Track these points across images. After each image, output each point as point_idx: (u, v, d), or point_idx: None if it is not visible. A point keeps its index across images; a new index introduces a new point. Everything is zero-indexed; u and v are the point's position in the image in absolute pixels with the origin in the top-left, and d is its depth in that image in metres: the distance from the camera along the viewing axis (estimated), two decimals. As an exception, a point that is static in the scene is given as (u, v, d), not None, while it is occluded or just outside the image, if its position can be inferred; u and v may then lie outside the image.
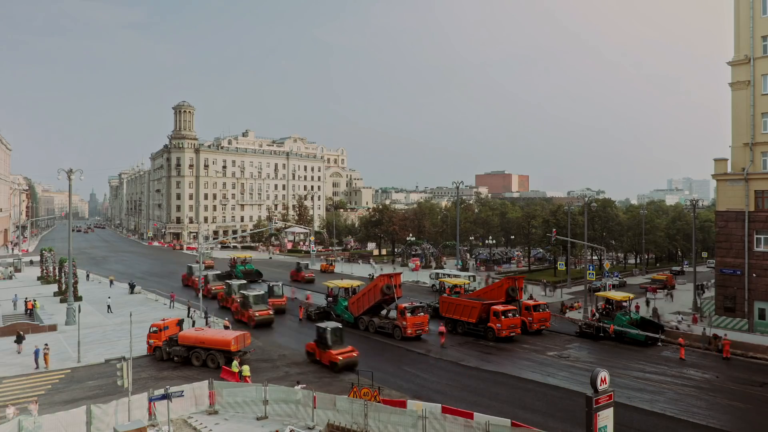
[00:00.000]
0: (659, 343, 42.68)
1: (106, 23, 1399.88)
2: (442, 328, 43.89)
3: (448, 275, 68.73)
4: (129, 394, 24.14)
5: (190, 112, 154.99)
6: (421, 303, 47.94)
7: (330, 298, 52.61)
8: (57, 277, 63.60)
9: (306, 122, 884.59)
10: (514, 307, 45.49)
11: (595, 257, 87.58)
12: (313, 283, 73.33)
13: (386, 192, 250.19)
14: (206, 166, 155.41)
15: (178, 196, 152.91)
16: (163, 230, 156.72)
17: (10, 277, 74.66)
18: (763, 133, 45.36)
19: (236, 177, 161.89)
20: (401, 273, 49.83)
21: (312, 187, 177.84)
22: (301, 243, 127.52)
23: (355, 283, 53.81)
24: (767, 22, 45.25)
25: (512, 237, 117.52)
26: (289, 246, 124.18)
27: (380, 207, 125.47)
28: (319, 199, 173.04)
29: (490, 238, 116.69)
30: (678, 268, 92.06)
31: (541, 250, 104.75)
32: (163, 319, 38.62)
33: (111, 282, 69.49)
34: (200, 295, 51.89)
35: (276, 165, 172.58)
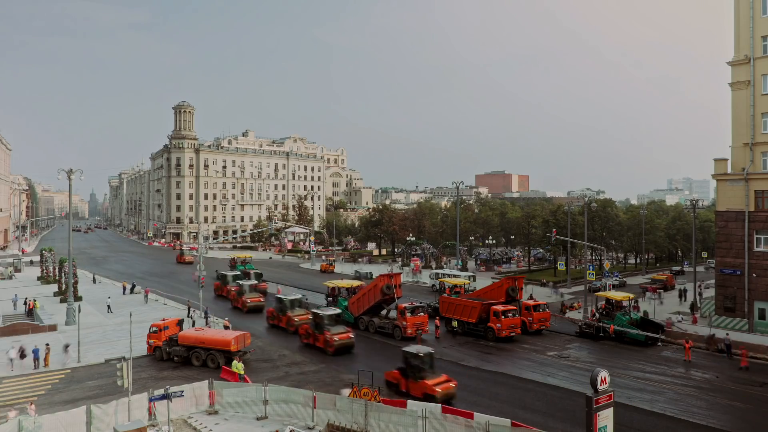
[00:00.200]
0: (659, 343, 42.67)
1: (107, 24, 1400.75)
2: (437, 323, 46.11)
3: (448, 275, 68.74)
4: (129, 394, 24.13)
5: (190, 112, 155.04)
6: (421, 303, 48.05)
7: (330, 298, 52.63)
8: (57, 277, 63.60)
9: (306, 122, 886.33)
10: (514, 307, 45.50)
11: (595, 257, 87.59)
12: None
13: (386, 192, 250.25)
14: (206, 166, 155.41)
15: (178, 196, 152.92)
16: (163, 230, 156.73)
17: (10, 277, 74.67)
18: (763, 133, 45.34)
19: (236, 177, 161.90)
20: (401, 273, 49.84)
21: (312, 187, 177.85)
22: (301, 243, 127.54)
23: (356, 283, 53.82)
24: (767, 22, 45.25)
25: (512, 237, 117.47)
26: (289, 246, 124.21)
27: (380, 207, 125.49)
28: (319, 199, 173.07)
29: (490, 238, 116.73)
30: (678, 268, 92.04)
31: (541, 250, 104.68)
32: (163, 319, 38.63)
33: (126, 288, 63.76)
34: (200, 294, 51.80)
35: (276, 165, 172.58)
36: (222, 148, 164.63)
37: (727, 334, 41.53)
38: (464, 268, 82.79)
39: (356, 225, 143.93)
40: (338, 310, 42.17)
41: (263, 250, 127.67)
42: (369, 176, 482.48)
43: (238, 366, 31.47)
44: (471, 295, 52.97)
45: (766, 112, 45.40)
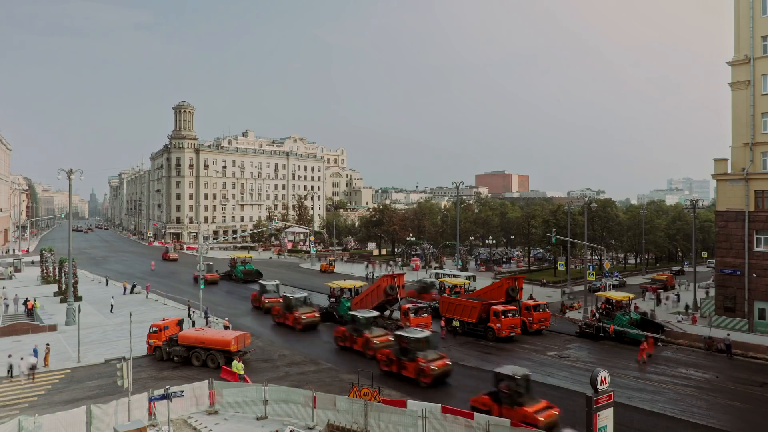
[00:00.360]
0: (659, 344, 42.67)
1: (107, 24, 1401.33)
2: (443, 323, 46.28)
3: (448, 275, 68.73)
4: (129, 394, 24.14)
5: (190, 112, 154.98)
6: (423, 303, 48.14)
7: (332, 299, 52.60)
8: (57, 277, 63.61)
9: (306, 122, 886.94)
10: (514, 307, 45.53)
11: (595, 257, 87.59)
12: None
13: (386, 192, 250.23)
14: (206, 166, 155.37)
15: (178, 196, 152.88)
16: (163, 230, 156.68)
17: (10, 277, 74.68)
18: (763, 133, 45.35)
19: (236, 177, 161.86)
20: (404, 273, 49.88)
21: (312, 187, 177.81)
22: (301, 243, 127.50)
23: (358, 283, 53.78)
24: (767, 22, 45.26)
25: (512, 237, 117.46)
26: (289, 246, 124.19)
27: (380, 207, 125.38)
28: (319, 199, 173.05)
29: (490, 238, 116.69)
30: (678, 268, 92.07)
31: (541, 250, 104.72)
32: (163, 319, 38.63)
33: (126, 288, 63.24)
34: (200, 294, 51.83)
35: (276, 165, 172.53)
36: (222, 148, 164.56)
37: (728, 335, 41.55)
38: (464, 268, 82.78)
39: (356, 225, 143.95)
40: (428, 333, 34.76)
41: (263, 250, 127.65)
42: (369, 176, 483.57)
43: (238, 366, 31.48)
44: (471, 295, 52.98)
45: (766, 112, 45.41)
